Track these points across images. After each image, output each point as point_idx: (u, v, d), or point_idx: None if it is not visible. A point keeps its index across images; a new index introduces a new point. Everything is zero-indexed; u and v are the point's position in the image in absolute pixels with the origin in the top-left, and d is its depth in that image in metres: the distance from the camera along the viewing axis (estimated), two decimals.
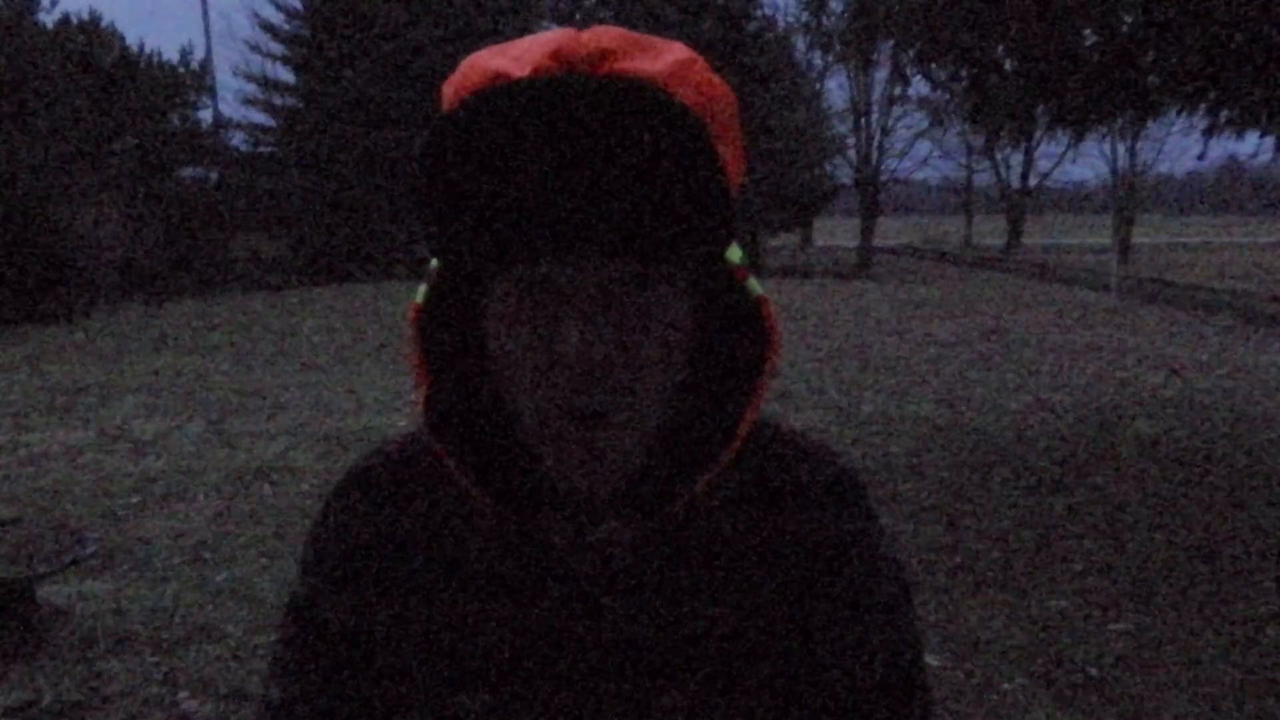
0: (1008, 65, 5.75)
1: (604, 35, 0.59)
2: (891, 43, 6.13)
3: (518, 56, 0.59)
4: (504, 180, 0.56)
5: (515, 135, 0.55)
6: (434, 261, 0.67)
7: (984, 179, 42.79)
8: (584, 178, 0.55)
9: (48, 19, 18.80)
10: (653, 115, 0.55)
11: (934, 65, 5.98)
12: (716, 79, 0.63)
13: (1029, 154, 36.04)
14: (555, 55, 0.57)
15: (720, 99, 0.62)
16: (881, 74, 23.54)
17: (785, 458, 0.74)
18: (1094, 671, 3.26)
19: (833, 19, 6.47)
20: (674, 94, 0.57)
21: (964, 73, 5.95)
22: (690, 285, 0.64)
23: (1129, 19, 5.07)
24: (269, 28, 23.60)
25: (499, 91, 0.55)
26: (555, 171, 0.55)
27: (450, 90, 0.62)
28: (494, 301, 0.63)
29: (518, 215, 0.57)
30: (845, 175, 29.75)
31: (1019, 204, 39.27)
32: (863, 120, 28.86)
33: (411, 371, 0.67)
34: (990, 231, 45.54)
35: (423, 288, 0.68)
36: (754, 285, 0.67)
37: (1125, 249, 29.78)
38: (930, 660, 3.29)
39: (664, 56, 0.60)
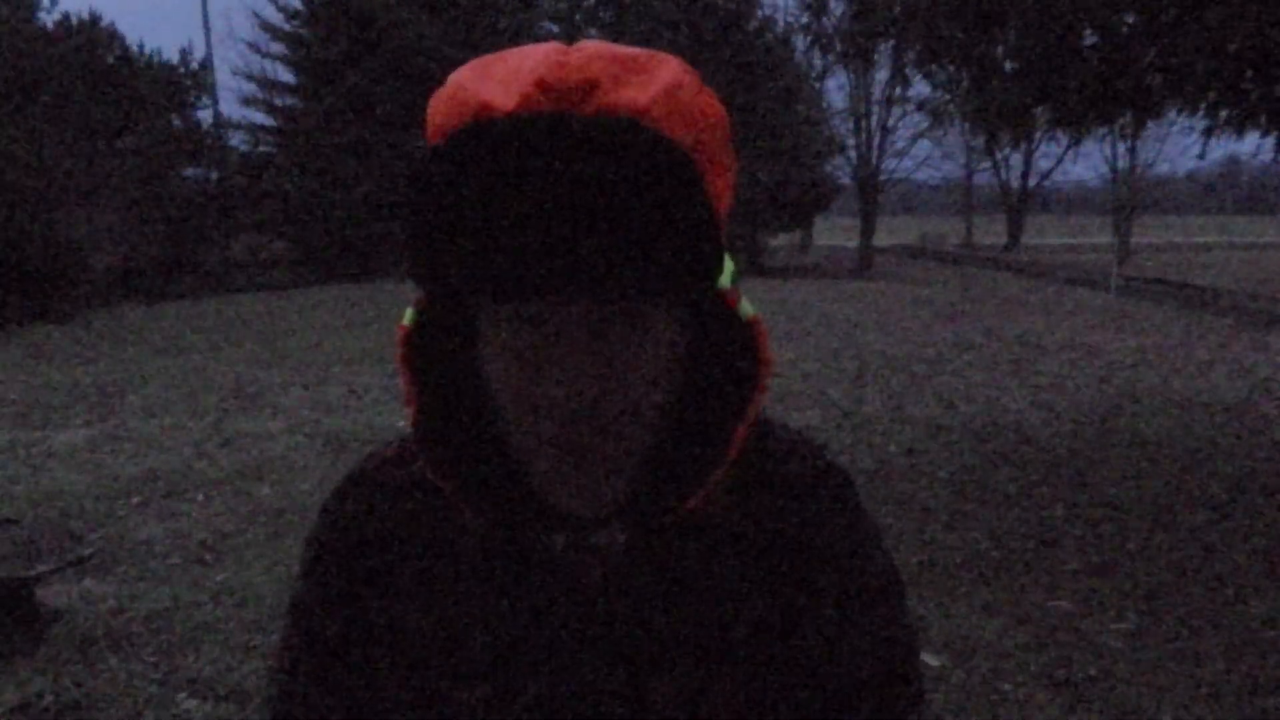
0: (1008, 66, 5.75)
1: (592, 61, 0.57)
2: (892, 43, 6.13)
3: (504, 82, 0.57)
4: (490, 219, 0.56)
5: (501, 174, 0.55)
6: None
7: (984, 179, 42.83)
8: (571, 219, 0.55)
9: (48, 19, 18.83)
10: (641, 155, 0.54)
11: (934, 66, 5.98)
12: (707, 99, 0.61)
13: (1029, 154, 36.07)
14: (541, 85, 0.56)
15: (711, 123, 0.61)
16: (882, 74, 23.59)
17: (774, 454, 0.75)
18: (1094, 671, 3.26)
19: (833, 19, 6.47)
20: (663, 129, 0.56)
21: (964, 73, 5.95)
22: (681, 314, 0.64)
23: (1129, 19, 5.07)
24: (269, 28, 23.59)
25: (484, 128, 0.55)
26: (542, 212, 0.55)
27: (436, 116, 0.60)
28: (482, 330, 0.63)
29: (504, 255, 0.56)
30: (845, 175, 29.76)
31: (1019, 204, 39.27)
32: (863, 120, 28.85)
33: (401, 391, 0.68)
34: (990, 231, 45.52)
35: (410, 311, 0.68)
36: (745, 308, 0.67)
37: (1125, 249, 29.78)
38: (930, 660, 3.29)
39: (653, 82, 0.58)
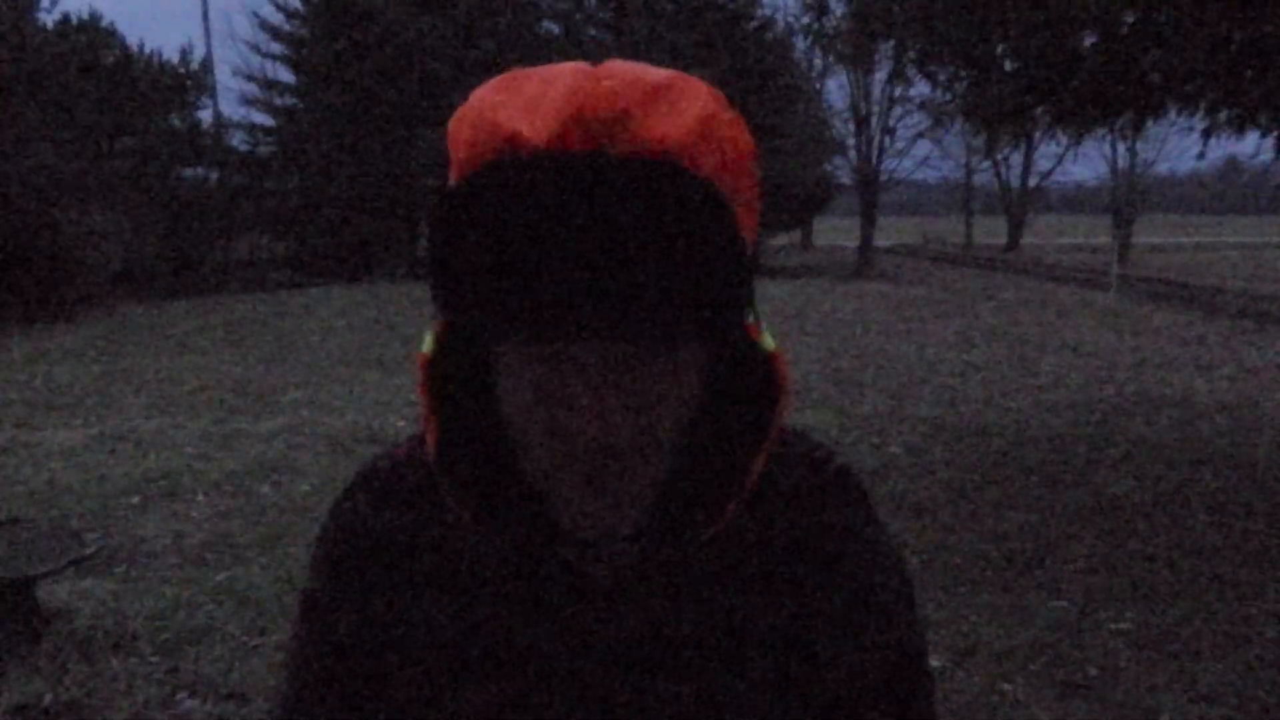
0: (1008, 66, 5.75)
1: (623, 89, 0.56)
2: (892, 43, 6.13)
3: (531, 109, 0.56)
4: (518, 258, 0.54)
5: (532, 213, 0.53)
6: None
7: (984, 179, 42.80)
8: (603, 260, 0.54)
9: (48, 19, 18.82)
10: (676, 198, 0.53)
11: (935, 66, 5.98)
12: (737, 129, 0.61)
13: (1029, 154, 36.05)
14: (573, 117, 0.55)
15: (741, 154, 0.61)
16: (882, 74, 23.55)
17: (785, 457, 0.75)
18: (1094, 671, 3.26)
19: (833, 20, 6.47)
20: (696, 163, 0.56)
21: (964, 73, 5.96)
22: (704, 347, 0.64)
23: (1129, 19, 5.07)
24: (269, 28, 23.57)
25: (515, 164, 0.54)
26: (572, 253, 0.54)
27: (461, 143, 0.59)
28: (502, 362, 0.63)
29: (532, 295, 0.55)
30: (845, 175, 29.74)
31: (1019, 204, 39.26)
32: (863, 121, 28.83)
33: (420, 415, 0.68)
34: (990, 231, 45.51)
35: (428, 338, 0.68)
36: (767, 340, 0.67)
37: (1125, 249, 29.79)
38: (931, 661, 3.29)
39: (685, 113, 0.57)
